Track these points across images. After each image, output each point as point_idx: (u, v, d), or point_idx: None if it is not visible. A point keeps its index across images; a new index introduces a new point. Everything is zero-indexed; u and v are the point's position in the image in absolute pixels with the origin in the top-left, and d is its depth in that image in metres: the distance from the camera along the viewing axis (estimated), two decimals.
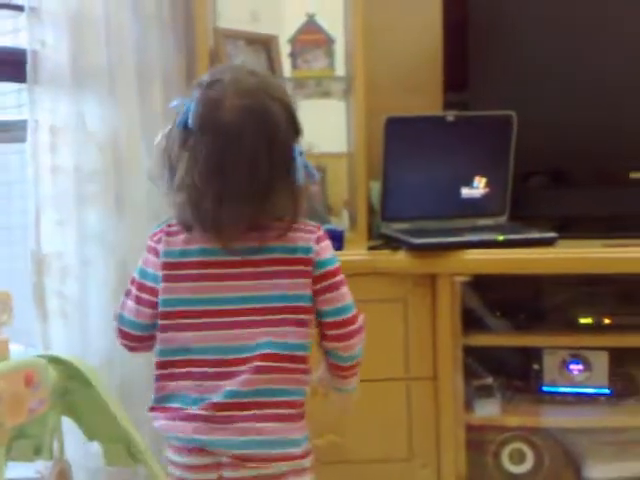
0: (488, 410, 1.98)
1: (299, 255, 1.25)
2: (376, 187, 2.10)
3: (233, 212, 1.20)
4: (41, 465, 1.64)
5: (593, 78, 2.13)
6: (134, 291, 1.31)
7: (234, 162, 1.18)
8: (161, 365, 1.28)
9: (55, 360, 1.64)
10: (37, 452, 1.59)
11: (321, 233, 1.29)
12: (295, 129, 1.24)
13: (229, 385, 1.21)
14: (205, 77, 1.25)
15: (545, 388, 2.03)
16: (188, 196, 1.21)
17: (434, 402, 1.92)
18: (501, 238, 1.93)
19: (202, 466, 1.22)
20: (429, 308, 1.92)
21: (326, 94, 2.26)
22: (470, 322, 1.96)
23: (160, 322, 1.27)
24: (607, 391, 2.02)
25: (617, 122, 2.14)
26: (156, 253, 1.28)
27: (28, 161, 1.94)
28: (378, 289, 1.90)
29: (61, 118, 1.98)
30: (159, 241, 1.28)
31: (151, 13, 2.14)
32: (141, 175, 2.11)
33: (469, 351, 1.95)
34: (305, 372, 1.26)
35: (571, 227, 2.11)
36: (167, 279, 1.26)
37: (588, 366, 2.01)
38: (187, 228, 1.25)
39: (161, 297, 1.26)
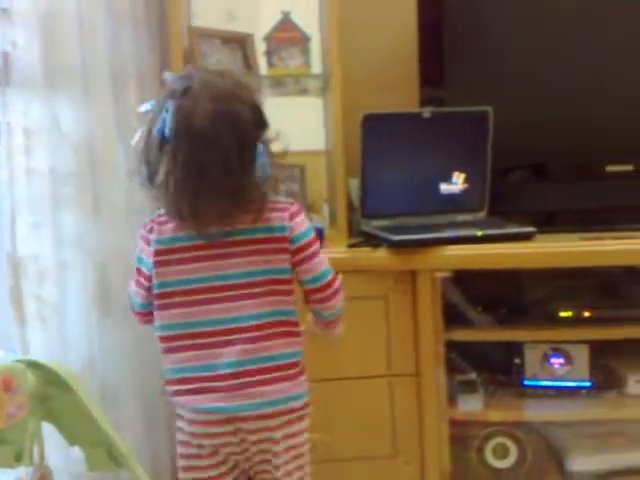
0: (471, 405, 1.99)
1: (276, 234, 1.40)
2: (355, 184, 2.10)
3: (209, 208, 1.34)
4: (22, 471, 1.61)
5: (568, 73, 2.15)
6: (135, 275, 1.48)
7: (209, 164, 1.31)
8: (163, 340, 1.43)
9: (34, 365, 1.61)
10: (18, 458, 1.56)
11: (294, 209, 1.44)
12: (262, 125, 1.38)
13: (229, 354, 1.38)
14: (176, 84, 1.36)
15: (527, 382, 2.04)
16: (168, 195, 1.35)
17: (417, 398, 1.93)
18: (480, 233, 1.94)
19: (217, 425, 1.40)
20: (410, 305, 1.92)
21: (303, 92, 2.25)
22: (451, 317, 1.97)
23: (157, 302, 1.42)
24: (588, 384, 2.03)
25: (592, 116, 2.16)
26: (147, 242, 1.43)
27: (2, 164, 1.91)
28: (359, 286, 1.89)
29: (34, 120, 1.95)
30: (151, 230, 1.43)
31: (124, 12, 2.11)
32: (118, 176, 2.09)
33: (451, 346, 1.96)
34: (298, 334, 1.44)
35: (549, 221, 2.13)
36: (160, 264, 1.41)
37: (569, 359, 2.03)
38: (172, 218, 1.40)
39: (156, 281, 1.41)
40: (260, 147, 1.36)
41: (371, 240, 1.97)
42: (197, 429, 1.43)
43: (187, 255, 1.39)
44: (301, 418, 1.46)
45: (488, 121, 2.08)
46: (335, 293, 1.50)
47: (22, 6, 1.91)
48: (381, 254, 1.91)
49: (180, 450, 1.49)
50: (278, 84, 2.22)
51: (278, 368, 1.40)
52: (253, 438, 1.41)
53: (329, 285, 1.48)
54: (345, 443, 1.91)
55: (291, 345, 1.43)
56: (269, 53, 2.18)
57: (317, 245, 1.48)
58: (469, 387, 2.00)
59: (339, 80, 2.09)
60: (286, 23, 2.19)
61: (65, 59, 1.99)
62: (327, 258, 1.51)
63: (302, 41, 2.19)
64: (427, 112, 2.09)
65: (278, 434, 1.42)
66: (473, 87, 2.18)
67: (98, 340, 2.04)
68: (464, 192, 2.12)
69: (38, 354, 1.86)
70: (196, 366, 1.40)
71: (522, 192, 2.18)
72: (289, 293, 1.43)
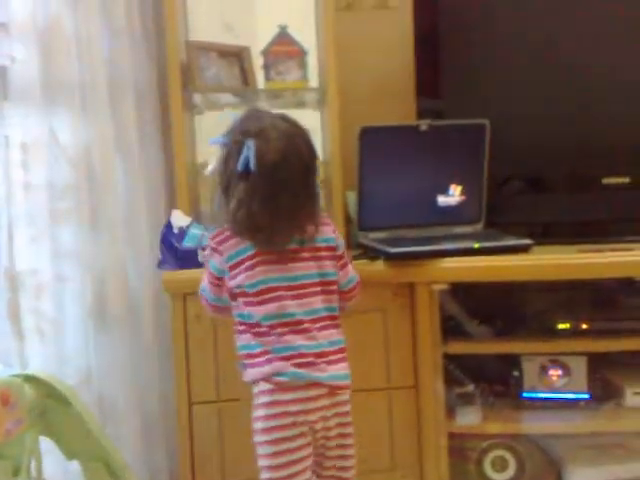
0: (470, 418, 1.98)
1: (330, 244, 1.67)
2: (352, 197, 2.10)
3: (280, 225, 1.58)
4: None
5: (565, 86, 2.16)
6: (210, 278, 1.69)
7: (280, 191, 1.56)
8: (252, 326, 1.61)
9: (32, 379, 1.61)
10: (16, 473, 1.56)
11: (333, 224, 1.72)
12: (315, 157, 1.64)
13: (305, 339, 1.60)
14: (250, 126, 1.59)
15: (525, 394, 2.04)
16: (246, 215, 1.57)
17: (416, 411, 1.92)
18: (477, 246, 1.94)
19: (312, 397, 1.59)
20: (408, 317, 1.92)
21: (301, 104, 2.26)
22: (449, 330, 1.97)
23: (242, 299, 1.62)
24: (586, 396, 2.03)
25: (589, 129, 2.16)
26: (220, 253, 1.64)
27: (0, 178, 1.91)
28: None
29: (32, 134, 1.96)
30: (220, 243, 1.64)
31: (122, 26, 2.12)
32: (116, 190, 2.09)
33: (449, 359, 1.96)
34: (341, 326, 1.68)
35: (547, 233, 2.14)
36: (245, 269, 1.61)
37: (567, 371, 2.02)
38: (239, 235, 1.62)
39: (247, 282, 1.61)
40: (317, 182, 1.65)
41: (369, 252, 1.97)
42: (300, 406, 1.58)
43: (256, 260, 1.61)
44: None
45: (485, 133, 2.08)
46: (358, 291, 1.77)
47: (20, 21, 1.92)
48: (379, 267, 1.91)
49: (270, 437, 1.59)
50: (275, 97, 2.23)
51: (340, 350, 1.64)
52: (345, 409, 1.64)
53: (355, 287, 1.75)
54: None
55: (341, 334, 1.67)
56: (266, 67, 2.19)
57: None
58: (467, 399, 2.00)
59: (336, 95, 2.10)
60: (283, 37, 2.19)
61: (63, 73, 2.00)
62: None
63: (299, 55, 2.19)
64: (424, 125, 2.10)
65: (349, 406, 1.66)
66: (470, 99, 2.18)
67: (95, 353, 2.04)
68: (461, 204, 2.12)
69: (36, 368, 1.86)
70: (281, 350, 1.59)
71: (519, 204, 2.19)
72: (335, 292, 1.68)
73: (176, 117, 2.10)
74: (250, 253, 1.61)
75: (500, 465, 2.03)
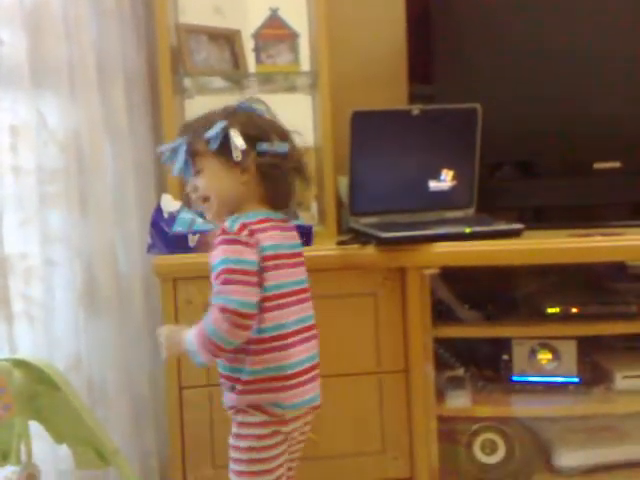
0: (459, 401, 1.99)
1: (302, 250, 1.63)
2: (344, 181, 2.10)
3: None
4: (9, 470, 1.61)
5: (557, 70, 2.15)
6: (241, 278, 1.45)
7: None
8: (269, 340, 1.50)
9: (21, 363, 1.61)
10: (5, 458, 1.56)
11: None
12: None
13: (308, 350, 1.55)
14: (218, 113, 1.60)
15: (515, 378, 2.04)
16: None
17: (406, 394, 1.93)
18: (468, 230, 1.94)
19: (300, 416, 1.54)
20: (399, 301, 1.92)
21: (292, 89, 2.25)
22: (440, 314, 1.97)
23: (267, 304, 1.49)
24: (576, 379, 2.04)
25: (580, 114, 2.16)
26: (254, 244, 1.48)
27: None
28: (348, 283, 1.89)
29: (21, 117, 1.95)
30: (253, 234, 1.49)
31: (111, 8, 2.11)
32: (105, 174, 2.08)
33: (439, 343, 1.96)
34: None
35: (537, 218, 2.15)
36: (271, 268, 1.51)
37: (557, 355, 2.03)
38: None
39: (266, 284, 1.49)
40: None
41: (360, 237, 1.96)
42: (291, 425, 1.53)
43: (282, 262, 1.54)
44: None
45: (477, 118, 2.08)
46: None
47: (7, 3, 1.91)
48: (370, 251, 1.90)
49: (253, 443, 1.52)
50: (267, 81, 2.22)
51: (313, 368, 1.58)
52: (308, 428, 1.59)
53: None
54: (334, 440, 1.91)
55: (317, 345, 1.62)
56: (257, 50, 2.18)
57: None
58: (457, 383, 2.01)
59: (327, 78, 2.09)
60: (274, 20, 2.18)
61: (51, 56, 1.98)
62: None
63: (291, 38, 2.18)
64: (416, 109, 2.09)
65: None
66: (462, 84, 2.17)
67: (85, 338, 2.04)
68: (453, 189, 2.12)
69: (25, 352, 1.86)
70: (289, 365, 1.51)
71: (510, 189, 2.19)
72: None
73: (166, 101, 2.09)
74: (272, 253, 1.50)
75: (490, 448, 2.04)
